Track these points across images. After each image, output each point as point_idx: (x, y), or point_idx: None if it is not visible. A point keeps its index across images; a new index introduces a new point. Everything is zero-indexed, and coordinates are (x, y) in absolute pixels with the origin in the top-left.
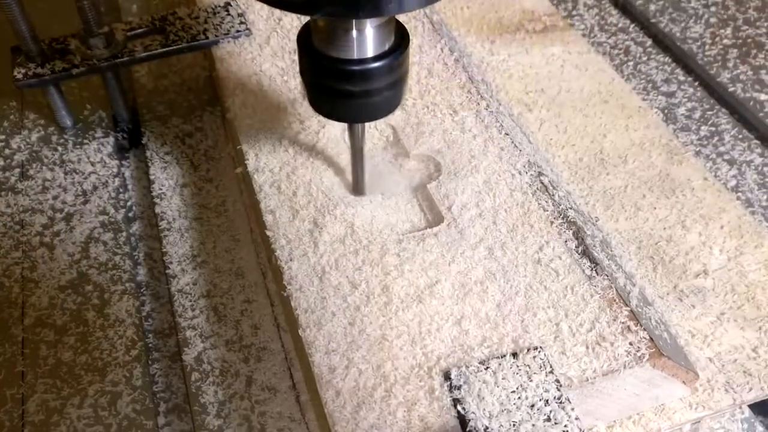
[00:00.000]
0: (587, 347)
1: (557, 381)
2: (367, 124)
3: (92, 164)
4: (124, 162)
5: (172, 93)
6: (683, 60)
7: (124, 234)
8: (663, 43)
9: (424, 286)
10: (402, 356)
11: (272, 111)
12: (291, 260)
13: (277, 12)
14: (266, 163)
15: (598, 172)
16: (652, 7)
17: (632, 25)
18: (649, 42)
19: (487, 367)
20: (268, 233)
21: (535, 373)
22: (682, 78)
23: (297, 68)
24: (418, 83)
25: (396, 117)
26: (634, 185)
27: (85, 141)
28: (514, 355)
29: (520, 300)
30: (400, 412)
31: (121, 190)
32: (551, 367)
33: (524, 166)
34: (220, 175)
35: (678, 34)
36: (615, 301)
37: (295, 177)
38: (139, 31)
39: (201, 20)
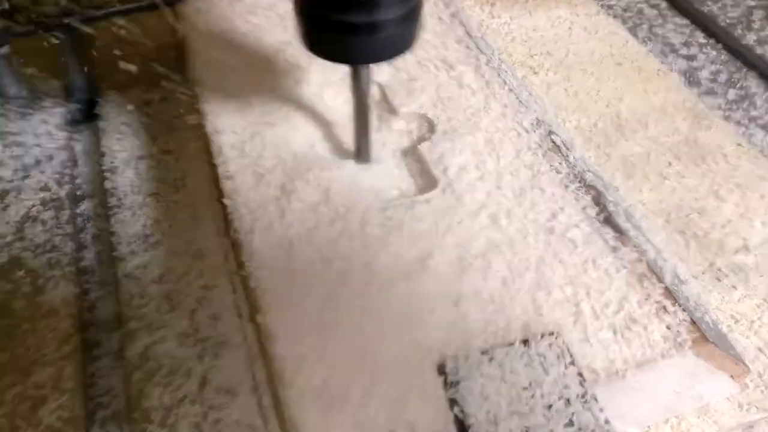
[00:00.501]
0: (615, 332)
1: (580, 374)
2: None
3: (36, 136)
4: (76, 136)
5: (136, 61)
6: (703, 22)
7: (68, 212)
8: (679, 5)
9: (413, 261)
10: (385, 346)
11: (241, 71)
12: (252, 232)
13: None
14: (228, 124)
15: (616, 138)
16: None
17: None
18: (664, 4)
19: (492, 358)
20: (226, 202)
21: (551, 365)
22: (702, 40)
23: (271, 25)
24: None
25: (382, 72)
26: (657, 152)
27: (30, 112)
28: (525, 342)
29: (531, 276)
30: (382, 415)
31: (68, 164)
32: (572, 356)
33: (532, 124)
34: (182, 146)
35: None
36: (646, 276)
37: (261, 138)
38: None
39: None
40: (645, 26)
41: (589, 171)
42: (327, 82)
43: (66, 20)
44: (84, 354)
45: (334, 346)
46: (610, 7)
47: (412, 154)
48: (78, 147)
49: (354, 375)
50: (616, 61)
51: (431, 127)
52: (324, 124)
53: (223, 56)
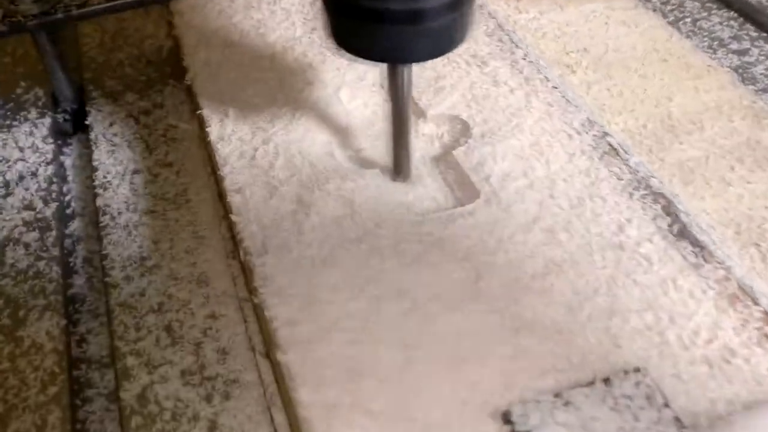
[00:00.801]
0: (710, 366)
1: (677, 419)
2: (375, 78)
3: (20, 150)
4: (64, 149)
5: (127, 67)
6: (751, 15)
7: (54, 233)
8: None
9: (459, 285)
10: (435, 390)
11: (244, 69)
12: (265, 253)
13: None
14: (234, 130)
15: (669, 141)
16: None
17: None
18: None
19: (567, 402)
20: (234, 218)
21: (641, 409)
22: (753, 34)
23: (277, 19)
24: None
25: None
26: (716, 155)
27: (14, 123)
28: (606, 381)
29: (602, 300)
30: None
31: (55, 180)
32: (664, 397)
33: (583, 125)
34: (182, 158)
35: None
36: (738, 297)
37: (273, 145)
38: None
39: None
40: (688, 20)
41: (653, 177)
42: (343, 83)
43: (47, 19)
44: (73, 396)
45: (370, 390)
46: (648, 0)
47: (445, 160)
48: (67, 161)
49: (400, 427)
50: (662, 57)
51: (465, 130)
52: (342, 129)
53: (224, 56)
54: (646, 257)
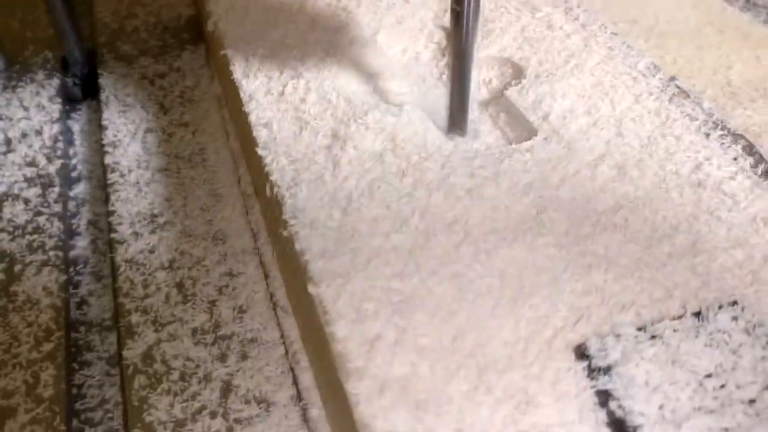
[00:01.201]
0: None
1: None
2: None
3: (25, 109)
4: (72, 114)
5: (143, 32)
6: None
7: (57, 190)
8: None
9: (521, 218)
10: (495, 324)
11: (272, 13)
12: (296, 185)
13: None
14: (261, 68)
15: (731, 107)
16: None
17: None
18: None
19: (654, 336)
20: (261, 152)
21: (742, 345)
22: None
23: None
24: None
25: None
26: None
27: (20, 84)
28: (698, 315)
29: (684, 239)
30: (500, 419)
31: (60, 138)
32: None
33: (648, 68)
34: (200, 119)
35: None
36: None
37: (304, 81)
38: None
39: None
40: None
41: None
42: (380, 27)
43: None
44: (69, 357)
45: (419, 324)
46: None
47: (495, 104)
48: (75, 126)
49: (453, 363)
50: (718, 29)
51: (518, 73)
52: (379, 72)
53: (249, 1)
54: (731, 195)
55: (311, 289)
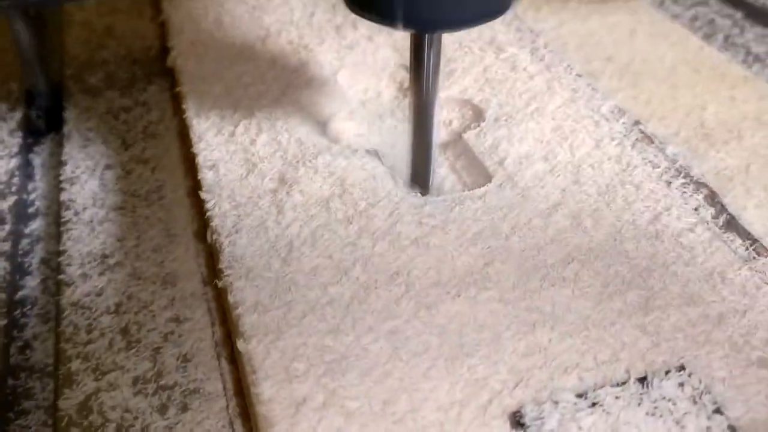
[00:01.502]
0: None
1: (732, 429)
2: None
3: None
4: (35, 148)
5: (112, 64)
6: None
7: (8, 228)
8: (760, 14)
9: (466, 271)
10: (430, 386)
11: (233, 50)
12: (237, 232)
13: None
14: (214, 107)
15: (704, 149)
16: None
17: None
18: (740, 14)
19: (594, 404)
20: (204, 196)
21: (686, 414)
22: None
23: (274, 2)
24: None
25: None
26: (759, 164)
27: None
28: (642, 380)
29: (636, 295)
30: None
31: (17, 173)
32: (716, 402)
33: (612, 112)
34: (161, 154)
35: None
36: None
37: (256, 121)
38: None
39: None
40: (720, 36)
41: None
42: (342, 66)
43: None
44: (7, 409)
45: (349, 386)
46: (675, 16)
47: (453, 147)
48: (36, 160)
49: (382, 429)
50: (693, 68)
51: (478, 115)
52: (335, 114)
53: (212, 38)
54: (689, 248)
55: (240, 345)
